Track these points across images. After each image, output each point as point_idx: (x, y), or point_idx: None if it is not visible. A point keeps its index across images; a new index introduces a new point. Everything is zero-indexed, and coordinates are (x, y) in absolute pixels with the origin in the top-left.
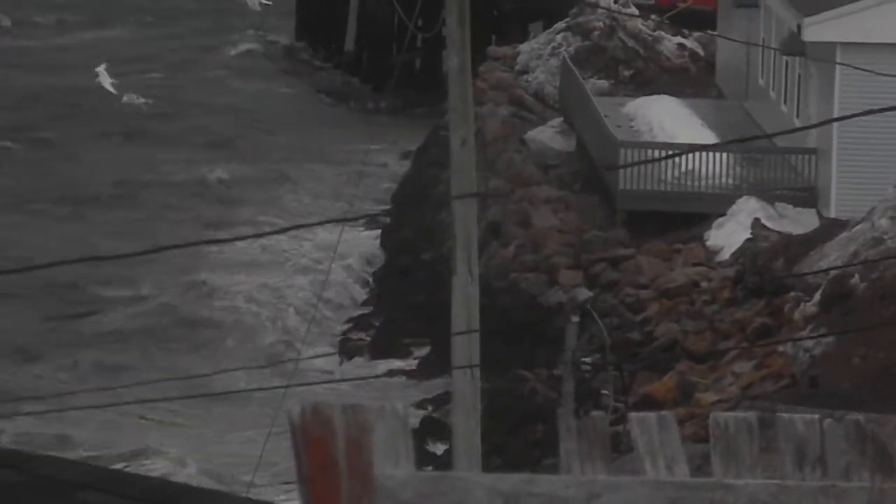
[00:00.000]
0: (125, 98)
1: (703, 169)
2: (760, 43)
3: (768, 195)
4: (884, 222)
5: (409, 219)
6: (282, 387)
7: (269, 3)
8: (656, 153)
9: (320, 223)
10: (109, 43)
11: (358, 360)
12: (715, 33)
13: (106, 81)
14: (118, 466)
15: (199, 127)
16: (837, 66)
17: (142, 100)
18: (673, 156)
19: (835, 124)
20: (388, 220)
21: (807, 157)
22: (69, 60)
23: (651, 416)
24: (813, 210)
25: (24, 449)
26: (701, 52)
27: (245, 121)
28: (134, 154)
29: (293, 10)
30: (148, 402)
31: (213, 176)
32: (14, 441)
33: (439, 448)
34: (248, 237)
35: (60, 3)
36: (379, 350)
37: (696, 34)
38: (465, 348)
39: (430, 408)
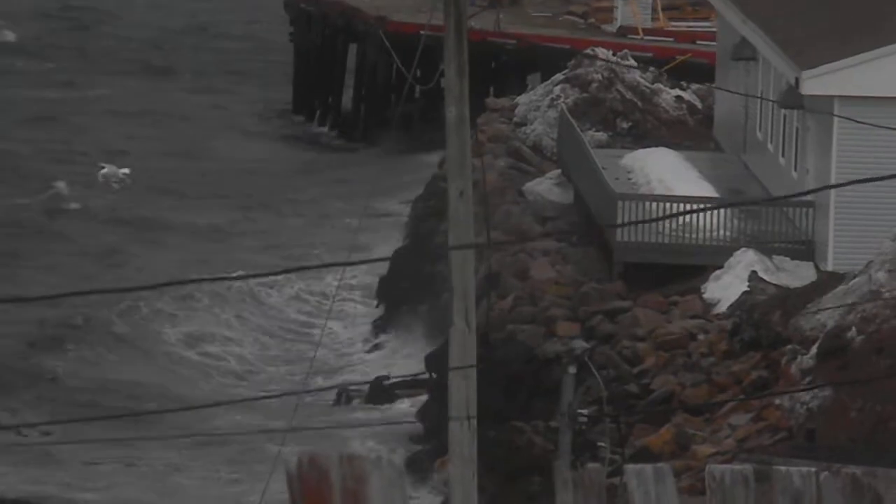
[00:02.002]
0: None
1: (701, 221)
2: (758, 96)
3: (766, 248)
4: (881, 275)
5: (407, 269)
6: (280, 431)
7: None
8: (654, 205)
9: (317, 266)
10: (109, 96)
11: (355, 408)
12: (713, 85)
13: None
14: None
15: (198, 183)
16: (835, 120)
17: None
18: (673, 215)
19: (833, 177)
20: (384, 272)
21: (804, 210)
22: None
23: (648, 468)
24: (810, 263)
25: (31, 498)
26: (699, 104)
27: (244, 177)
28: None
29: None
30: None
31: (217, 224)
32: None
33: (435, 499)
34: (245, 276)
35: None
36: (376, 399)
37: (695, 87)
38: (462, 398)
39: (426, 458)
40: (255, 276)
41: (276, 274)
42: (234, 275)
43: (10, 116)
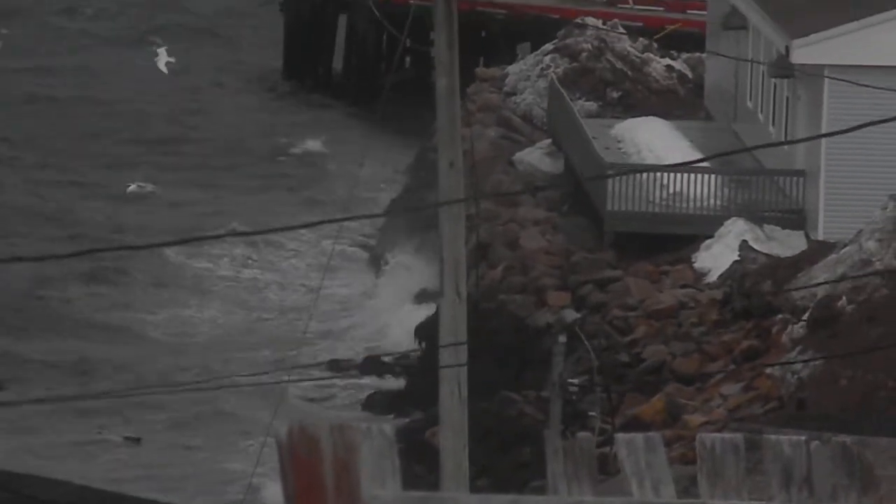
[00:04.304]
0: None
1: (691, 190)
2: (749, 60)
3: (756, 217)
4: (871, 244)
5: (399, 234)
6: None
7: None
8: (644, 175)
9: (314, 224)
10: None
11: (347, 379)
12: (704, 53)
13: None
14: None
15: (191, 153)
16: (826, 88)
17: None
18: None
19: (823, 146)
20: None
21: (795, 179)
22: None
23: (638, 437)
24: (801, 232)
25: (10, 469)
26: (689, 73)
27: (233, 143)
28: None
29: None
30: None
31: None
32: None
33: (427, 470)
34: (237, 234)
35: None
36: (367, 370)
37: (685, 56)
38: (453, 369)
39: (417, 428)
40: (245, 234)
41: (265, 233)
42: (224, 232)
43: None
